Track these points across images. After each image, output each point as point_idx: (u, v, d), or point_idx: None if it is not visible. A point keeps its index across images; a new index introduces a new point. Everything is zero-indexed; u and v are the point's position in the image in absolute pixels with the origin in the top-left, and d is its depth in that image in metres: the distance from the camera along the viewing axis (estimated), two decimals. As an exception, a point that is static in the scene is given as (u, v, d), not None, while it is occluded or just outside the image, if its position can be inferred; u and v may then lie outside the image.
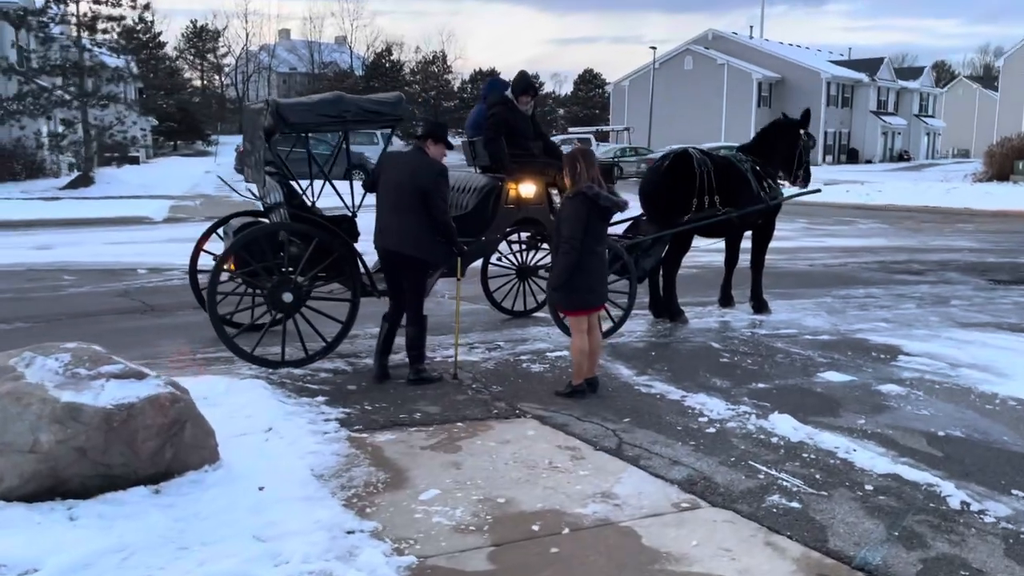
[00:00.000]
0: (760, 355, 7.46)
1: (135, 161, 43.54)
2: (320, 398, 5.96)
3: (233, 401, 5.60)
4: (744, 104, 56.19)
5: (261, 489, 4.19)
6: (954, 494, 4.35)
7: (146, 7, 23.65)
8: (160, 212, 19.38)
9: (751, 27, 66.39)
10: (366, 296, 7.05)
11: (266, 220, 7.54)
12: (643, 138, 50.10)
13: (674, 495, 4.37)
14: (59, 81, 22.91)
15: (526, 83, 7.81)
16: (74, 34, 22.45)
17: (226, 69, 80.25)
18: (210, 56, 78.09)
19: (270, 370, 6.65)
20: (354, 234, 6.98)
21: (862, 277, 12.37)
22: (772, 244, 9.60)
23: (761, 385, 6.50)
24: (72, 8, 22.16)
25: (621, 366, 7.03)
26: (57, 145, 23.45)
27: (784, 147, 9.35)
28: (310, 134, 7.57)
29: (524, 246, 8.86)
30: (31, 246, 14.44)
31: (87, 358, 4.25)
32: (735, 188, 8.75)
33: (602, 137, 49.43)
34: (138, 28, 70.74)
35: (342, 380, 6.51)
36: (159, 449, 4.16)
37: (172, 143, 69.01)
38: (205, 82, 78.96)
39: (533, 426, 5.47)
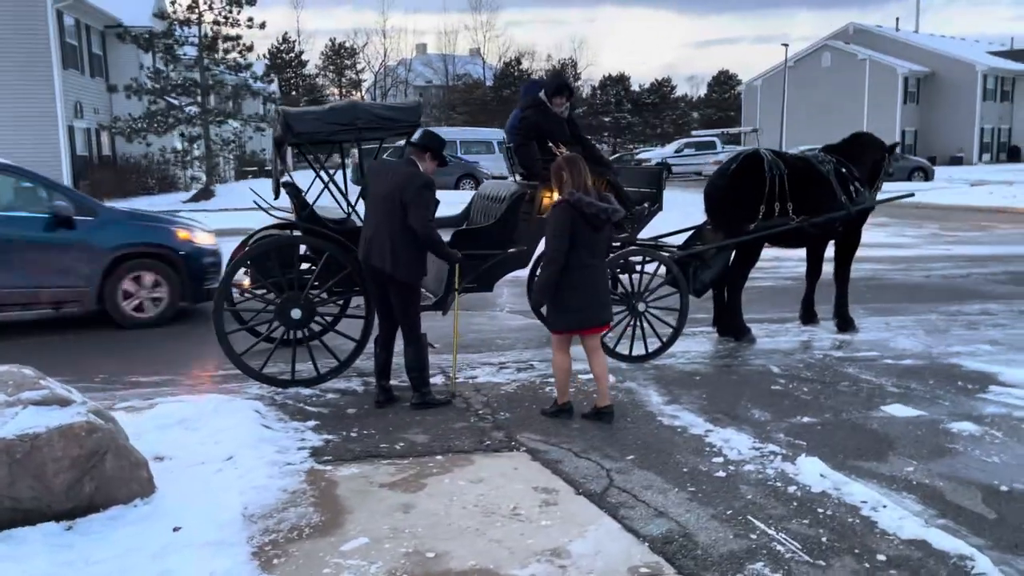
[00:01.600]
0: (822, 382, 6.57)
1: (271, 175, 45.47)
2: (310, 422, 5.63)
3: (214, 425, 5.34)
4: (888, 101, 52.70)
5: (176, 530, 3.85)
6: (989, 572, 3.48)
7: (262, 26, 24.30)
8: (265, 223, 19.89)
9: (896, 19, 62.31)
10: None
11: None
12: (775, 140, 47.87)
13: (638, 557, 3.71)
14: (186, 100, 24.09)
15: (559, 83, 7.24)
16: (195, 54, 23.53)
17: (365, 84, 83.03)
18: (349, 72, 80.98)
19: (280, 389, 6.41)
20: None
21: (983, 290, 10.98)
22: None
23: (806, 419, 5.66)
24: (195, 30, 23.25)
25: (653, 392, 6.33)
26: (181, 160, 24.70)
27: (870, 161, 8.47)
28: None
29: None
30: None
31: (12, 382, 4.05)
32: (813, 193, 7.85)
33: (730, 139, 47.52)
34: (281, 48, 74.79)
35: (347, 402, 6.16)
36: (75, 482, 3.90)
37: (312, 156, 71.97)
38: (345, 97, 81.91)
39: (520, 462, 4.91)
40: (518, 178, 7.67)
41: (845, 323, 8.42)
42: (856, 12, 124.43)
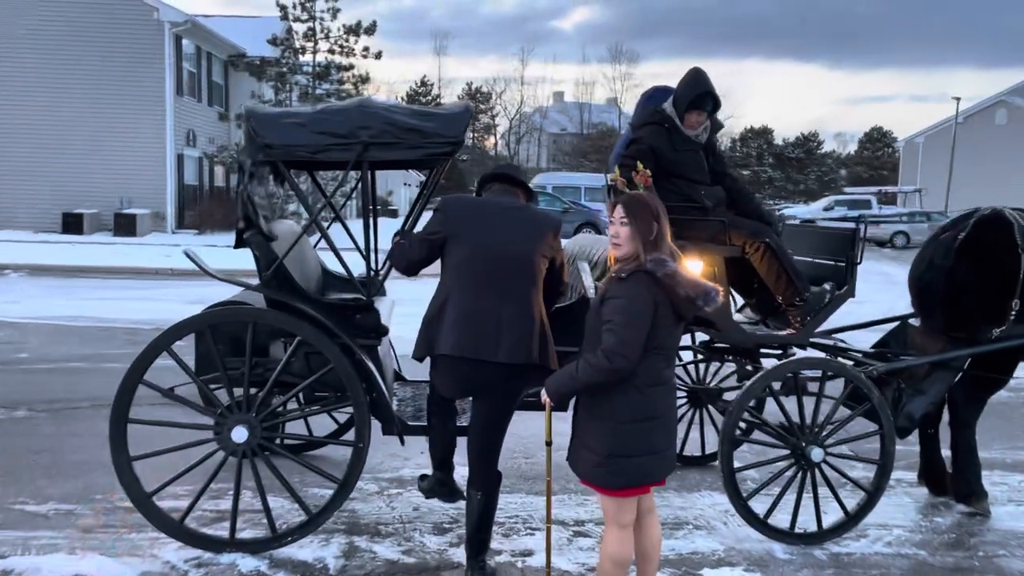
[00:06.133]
0: None
1: (394, 215, 44.53)
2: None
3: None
4: (1076, 165, 46.76)
5: None
6: None
7: (378, 56, 22.78)
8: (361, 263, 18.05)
9: (1086, 75, 55.88)
10: (391, 434, 4.23)
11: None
12: (938, 201, 42.99)
13: None
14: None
15: (701, 90, 4.53)
16: (305, 83, 22.25)
17: (499, 129, 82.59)
18: (483, 116, 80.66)
19: (211, 555, 3.98)
20: (370, 329, 4.20)
21: None
22: None
23: None
24: (308, 58, 22.00)
25: (837, 632, 3.49)
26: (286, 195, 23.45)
27: None
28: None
29: (700, 356, 5.50)
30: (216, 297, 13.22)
31: None
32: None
33: (887, 199, 42.96)
34: (419, 91, 75.12)
35: (300, 595, 3.65)
36: None
37: (439, 198, 71.85)
38: (477, 143, 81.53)
39: None
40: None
41: None
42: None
